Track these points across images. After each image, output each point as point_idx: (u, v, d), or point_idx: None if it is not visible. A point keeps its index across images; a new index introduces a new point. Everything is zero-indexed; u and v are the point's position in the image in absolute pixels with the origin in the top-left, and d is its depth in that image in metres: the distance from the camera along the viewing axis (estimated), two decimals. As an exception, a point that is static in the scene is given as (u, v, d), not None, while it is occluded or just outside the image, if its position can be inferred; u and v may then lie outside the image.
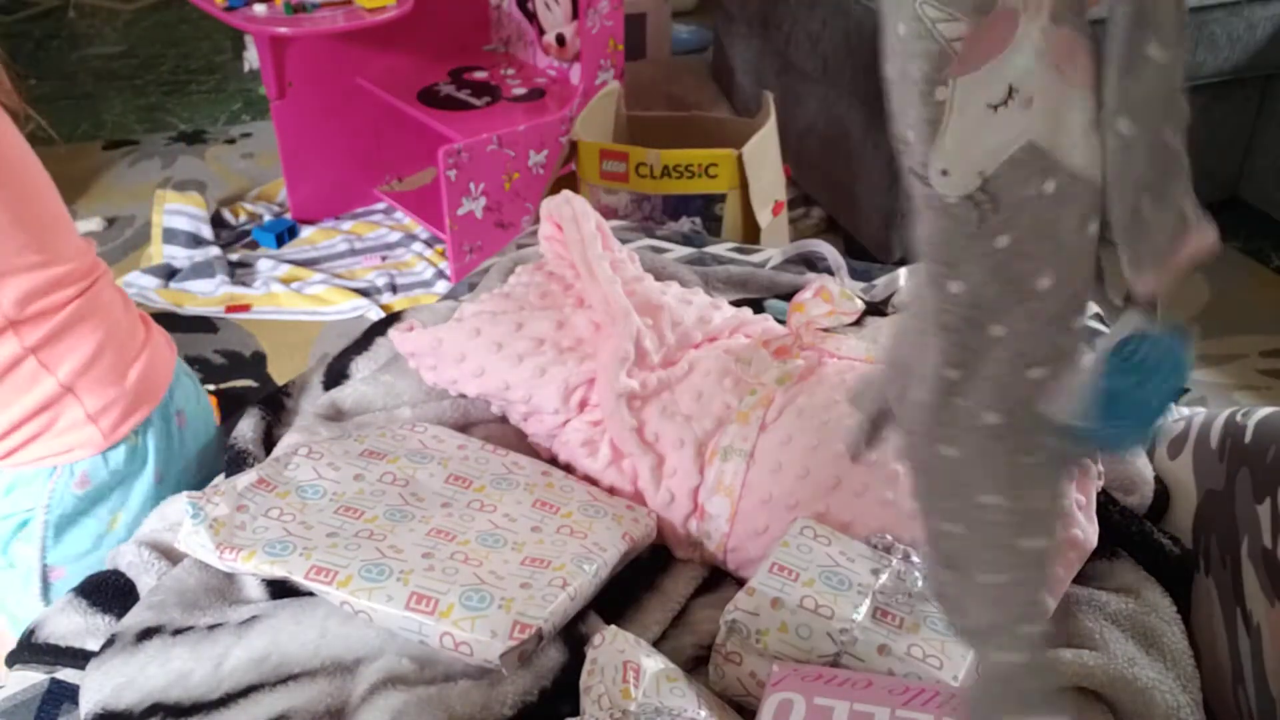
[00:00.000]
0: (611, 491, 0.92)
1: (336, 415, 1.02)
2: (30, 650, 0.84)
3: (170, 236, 2.46)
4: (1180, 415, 0.98)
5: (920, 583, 0.77)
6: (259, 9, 2.21)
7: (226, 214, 2.62)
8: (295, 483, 0.87)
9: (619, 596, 0.83)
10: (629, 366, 0.94)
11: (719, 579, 0.89)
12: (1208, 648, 0.80)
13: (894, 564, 0.79)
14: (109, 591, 0.87)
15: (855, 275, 1.28)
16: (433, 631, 0.74)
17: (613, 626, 0.75)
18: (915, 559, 0.79)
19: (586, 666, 0.73)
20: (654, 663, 0.72)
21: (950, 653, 0.72)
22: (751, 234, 1.93)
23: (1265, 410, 0.83)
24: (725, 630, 0.76)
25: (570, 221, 1.02)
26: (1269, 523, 0.74)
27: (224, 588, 0.85)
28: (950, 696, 0.67)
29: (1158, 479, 0.94)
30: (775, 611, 0.75)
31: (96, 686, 0.77)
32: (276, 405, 1.07)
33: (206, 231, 2.49)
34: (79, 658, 0.82)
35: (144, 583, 0.87)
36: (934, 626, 0.74)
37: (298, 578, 0.78)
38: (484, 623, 0.73)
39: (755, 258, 1.33)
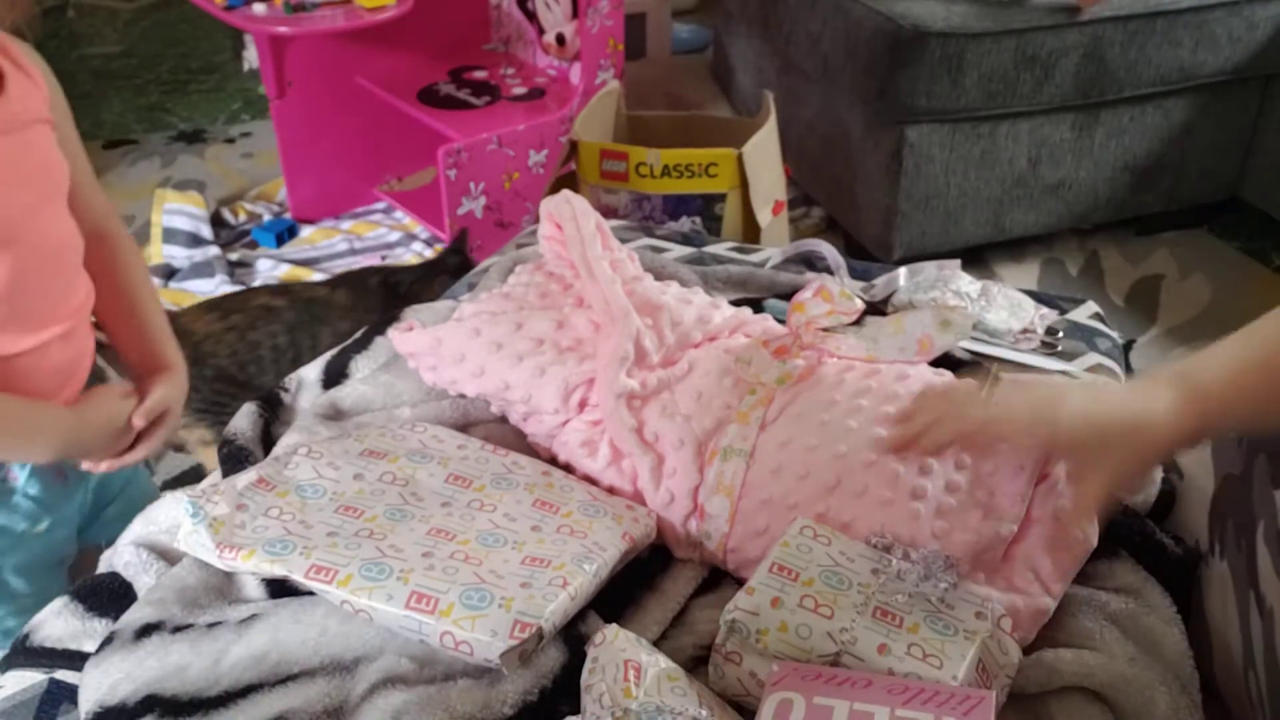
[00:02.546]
0: (611, 491, 0.92)
1: (336, 415, 1.01)
2: (25, 654, 0.84)
3: (170, 236, 2.46)
4: None
5: (919, 582, 0.77)
6: (259, 8, 2.21)
7: (226, 214, 2.62)
8: (295, 482, 0.87)
9: (619, 596, 0.83)
10: (629, 366, 0.94)
11: (719, 579, 0.89)
12: (1219, 632, 0.81)
13: (894, 563, 0.79)
14: (105, 595, 0.87)
15: (855, 275, 1.28)
16: (433, 630, 0.74)
17: (613, 625, 0.75)
18: (914, 558, 0.79)
19: (587, 665, 0.73)
20: (655, 662, 0.72)
21: (950, 652, 0.72)
22: (751, 234, 1.93)
23: None
24: (725, 630, 0.76)
25: (570, 221, 1.02)
26: None
27: (224, 586, 0.85)
28: (950, 696, 0.66)
29: (1164, 479, 0.94)
30: (775, 611, 0.75)
31: (95, 684, 0.77)
32: (274, 401, 1.07)
33: (206, 231, 2.49)
34: (75, 660, 0.82)
35: (142, 583, 0.87)
36: (933, 625, 0.74)
37: (297, 577, 0.78)
38: (484, 622, 0.73)
39: (755, 257, 1.33)
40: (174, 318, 1.81)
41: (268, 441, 1.01)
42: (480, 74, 2.58)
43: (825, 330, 1.02)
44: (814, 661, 0.73)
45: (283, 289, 1.88)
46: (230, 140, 3.02)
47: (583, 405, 0.95)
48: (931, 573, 0.77)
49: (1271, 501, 0.77)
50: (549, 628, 0.75)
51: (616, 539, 0.84)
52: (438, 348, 1.00)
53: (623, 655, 0.71)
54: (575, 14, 2.41)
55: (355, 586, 0.76)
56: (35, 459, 0.96)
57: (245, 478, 0.87)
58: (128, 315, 1.04)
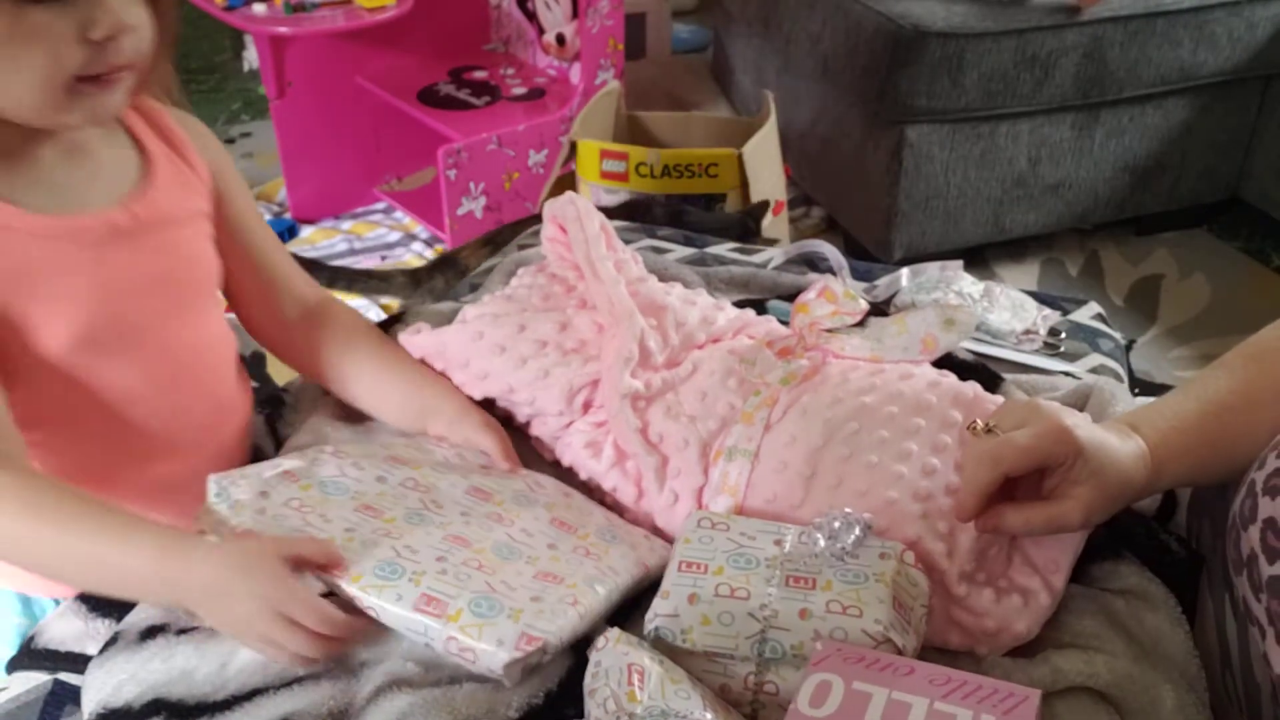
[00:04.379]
0: (614, 492, 0.92)
1: (341, 415, 1.01)
2: (30, 656, 0.84)
3: (170, 236, 2.46)
4: None
5: (821, 542, 0.78)
6: (259, 9, 2.21)
7: (226, 214, 2.62)
8: (318, 477, 0.86)
9: (622, 598, 0.83)
10: (633, 367, 0.94)
11: (723, 580, 0.89)
12: (1198, 633, 0.81)
13: (793, 530, 0.81)
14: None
15: (857, 275, 1.28)
16: (439, 634, 0.74)
17: (616, 628, 0.75)
18: (818, 521, 0.80)
19: (590, 669, 0.73)
20: (658, 665, 0.72)
21: (866, 599, 0.74)
22: (752, 234, 1.93)
23: None
24: (652, 639, 0.76)
25: (574, 222, 1.02)
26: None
27: (228, 589, 0.85)
28: (993, 693, 0.66)
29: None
30: (694, 607, 0.75)
31: (98, 685, 0.77)
32: (276, 403, 1.07)
33: (206, 231, 2.49)
34: (79, 662, 0.82)
35: (147, 584, 0.87)
36: (844, 578, 0.76)
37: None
38: (491, 630, 0.74)
39: (756, 258, 1.33)
40: (455, 254, 1.81)
41: (273, 441, 1.01)
42: (480, 74, 2.58)
43: (829, 331, 1.02)
44: (741, 643, 0.73)
45: None
46: (230, 140, 3.01)
47: (587, 407, 0.95)
48: (836, 532, 0.78)
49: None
50: (555, 643, 0.75)
51: (631, 565, 0.84)
52: (443, 351, 1.00)
53: (625, 659, 0.71)
54: (575, 14, 2.41)
55: (366, 584, 0.76)
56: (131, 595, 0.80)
57: (271, 469, 0.86)
58: (386, 379, 0.97)
